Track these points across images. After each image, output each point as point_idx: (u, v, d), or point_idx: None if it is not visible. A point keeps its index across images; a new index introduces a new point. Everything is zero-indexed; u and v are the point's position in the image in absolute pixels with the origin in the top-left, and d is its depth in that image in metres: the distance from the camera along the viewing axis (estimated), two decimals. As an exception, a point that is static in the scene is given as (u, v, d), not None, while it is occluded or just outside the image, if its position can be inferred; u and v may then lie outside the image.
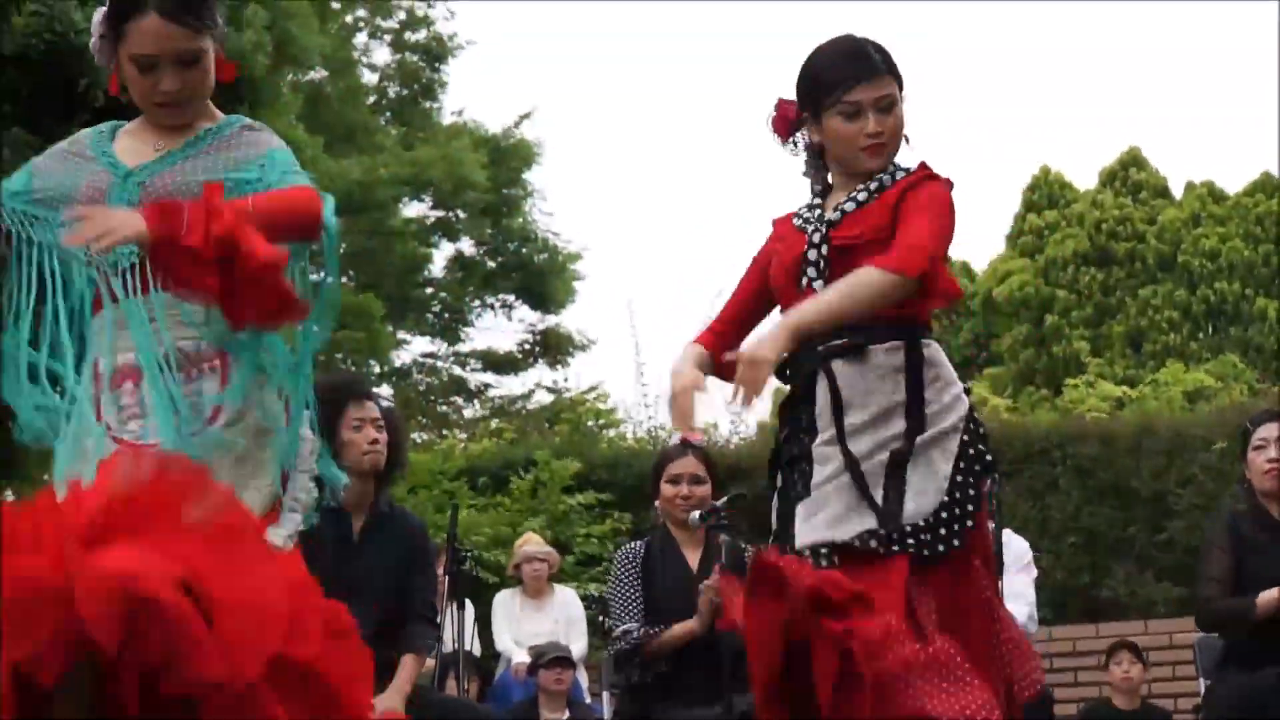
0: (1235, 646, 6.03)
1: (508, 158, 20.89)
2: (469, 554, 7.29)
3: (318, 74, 19.15)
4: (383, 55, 21.92)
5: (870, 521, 3.63)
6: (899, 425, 3.71)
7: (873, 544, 3.61)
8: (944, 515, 3.66)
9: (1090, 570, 11.48)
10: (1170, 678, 9.76)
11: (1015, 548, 7.34)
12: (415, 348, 22.02)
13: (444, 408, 21.95)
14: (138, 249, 3.24)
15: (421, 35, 21.84)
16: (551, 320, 21.60)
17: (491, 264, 21.39)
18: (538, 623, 9.36)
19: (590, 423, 16.52)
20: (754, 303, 4.03)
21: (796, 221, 3.94)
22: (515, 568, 9.60)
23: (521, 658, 9.04)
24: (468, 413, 21.98)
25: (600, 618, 6.87)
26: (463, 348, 22.01)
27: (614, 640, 5.91)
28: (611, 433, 16.11)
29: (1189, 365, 19.37)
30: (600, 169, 37.92)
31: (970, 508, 3.68)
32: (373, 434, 5.61)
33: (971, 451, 3.74)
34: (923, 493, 3.66)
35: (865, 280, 3.63)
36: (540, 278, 20.96)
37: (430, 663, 6.62)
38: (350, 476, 5.64)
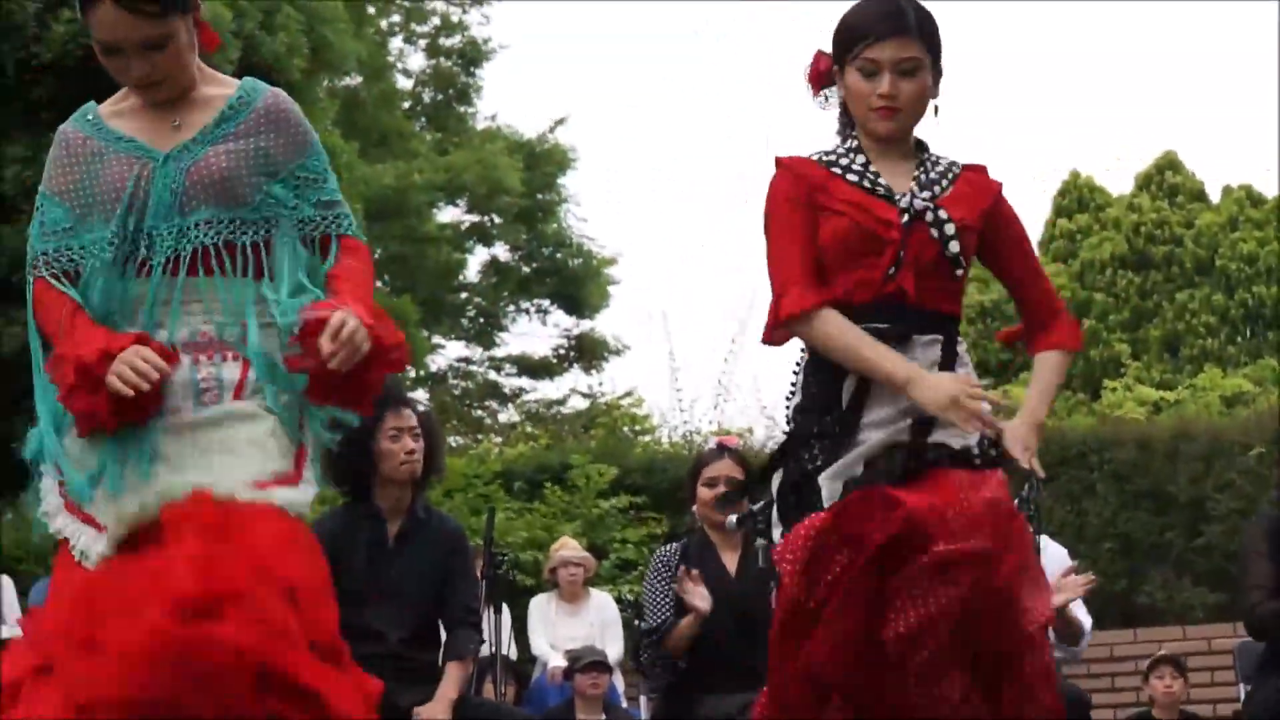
0: (1277, 651, 5.99)
1: (542, 163, 20.92)
2: (505, 558, 7.29)
3: (353, 79, 19.20)
4: (417, 60, 22.00)
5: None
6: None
7: (991, 450, 3.61)
8: (973, 448, 3.63)
9: (1127, 576, 11.43)
10: (1209, 683, 9.69)
11: (1053, 553, 7.30)
12: (450, 352, 22.07)
13: (479, 412, 21.99)
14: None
15: (456, 40, 21.89)
16: (586, 325, 21.63)
17: (526, 269, 21.42)
18: (573, 627, 9.35)
19: (625, 428, 16.53)
20: (814, 250, 3.70)
21: (852, 178, 3.71)
22: (551, 572, 9.60)
23: (557, 662, 9.03)
24: (502, 417, 22.01)
25: (636, 621, 6.87)
26: (498, 352, 22.06)
27: (642, 639, 5.92)
28: (646, 437, 16.11)
29: (1226, 370, 19.29)
30: (634, 173, 37.89)
31: (995, 453, 3.64)
32: (410, 444, 5.62)
33: (994, 449, 3.67)
34: (950, 435, 3.60)
35: (1062, 365, 3.83)
36: (575, 283, 20.98)
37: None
38: (386, 484, 5.67)
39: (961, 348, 3.75)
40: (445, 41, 21.90)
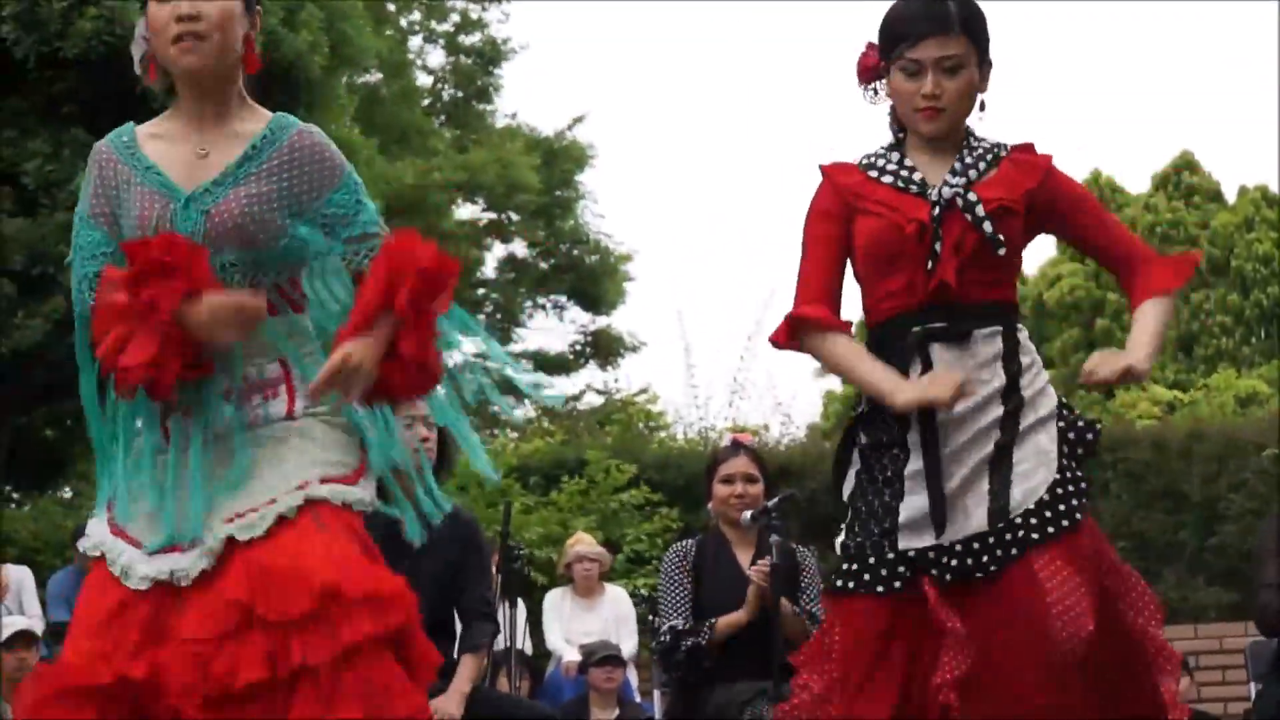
0: (1288, 651, 5.99)
1: (560, 160, 20.93)
2: (521, 553, 7.30)
3: (373, 76, 19.22)
4: (437, 58, 22.02)
5: (978, 520, 3.46)
6: (996, 412, 3.52)
7: (984, 559, 3.45)
8: (1059, 492, 3.48)
9: (1141, 575, 11.38)
10: (1220, 682, 9.69)
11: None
12: (467, 348, 22.07)
13: (494, 408, 21.97)
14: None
15: (476, 38, 21.90)
16: (602, 321, 21.65)
17: (543, 266, 21.44)
18: (588, 621, 9.37)
19: (640, 425, 16.54)
20: (841, 268, 3.67)
21: (888, 180, 3.64)
22: (566, 567, 9.61)
23: (572, 656, 9.05)
24: (518, 413, 22.03)
25: (650, 616, 6.86)
26: (514, 348, 22.07)
27: (659, 636, 5.91)
28: (661, 433, 16.13)
29: (1241, 370, 19.26)
30: (651, 171, 37.93)
31: (1084, 485, 3.52)
32: (423, 431, 5.59)
33: (1072, 435, 3.58)
34: (1029, 476, 3.48)
35: (1164, 308, 3.64)
36: (591, 279, 20.99)
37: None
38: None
39: (1023, 335, 3.64)
40: (465, 40, 21.91)
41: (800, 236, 3.71)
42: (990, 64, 3.66)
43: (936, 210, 3.56)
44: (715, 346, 36.76)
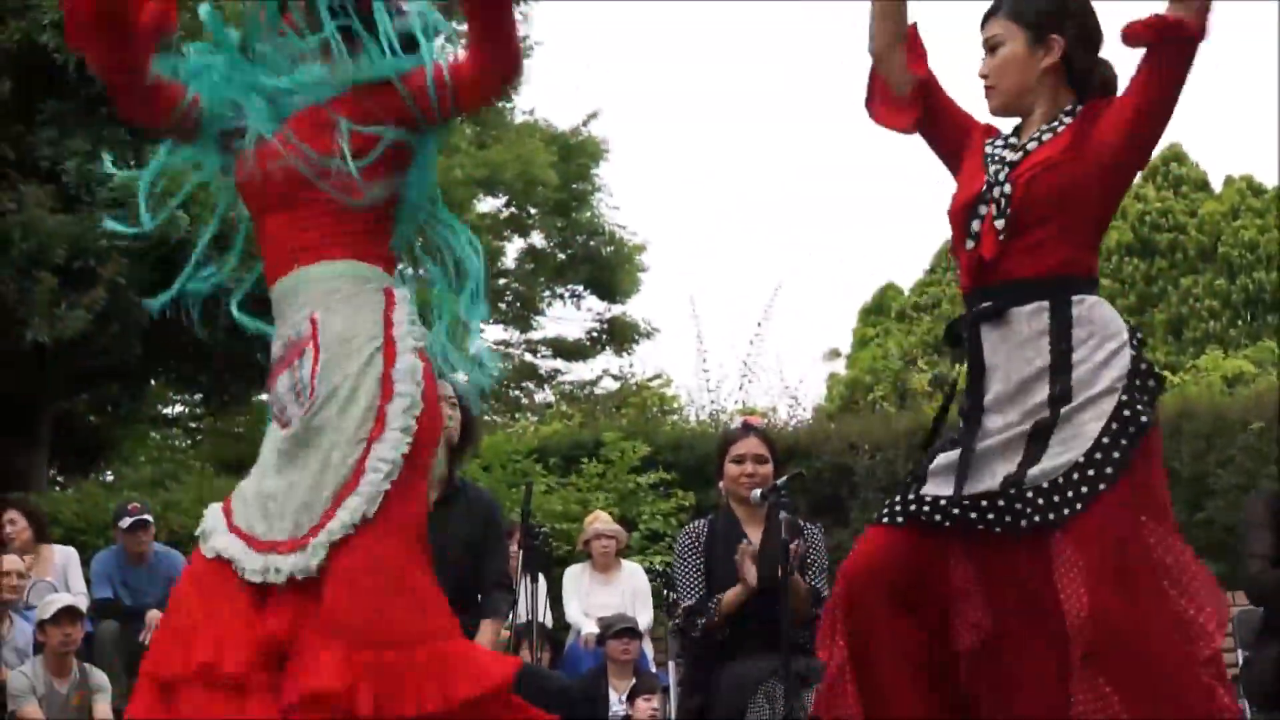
0: (1273, 620, 5.98)
1: (576, 154, 20.92)
2: (542, 530, 7.33)
3: (396, 76, 19.20)
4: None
5: (992, 483, 3.34)
6: (1043, 393, 3.35)
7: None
8: (1074, 477, 3.27)
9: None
10: (1210, 650, 9.67)
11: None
12: (489, 335, 22.11)
13: (516, 392, 22.03)
14: None
15: (495, 38, 21.87)
16: (618, 310, 21.64)
17: (561, 256, 21.43)
18: (606, 596, 9.38)
19: (654, 408, 16.54)
20: (947, 110, 3.62)
21: (987, 149, 3.57)
22: (585, 544, 9.63)
23: (590, 629, 9.06)
24: (538, 397, 22.06)
25: (665, 591, 6.86)
26: (534, 335, 22.10)
27: (676, 616, 5.93)
28: (674, 417, 16.13)
29: (1228, 351, 19.23)
30: (664, 164, 37.90)
31: (1108, 470, 3.26)
32: (446, 410, 5.62)
33: (1127, 413, 3.31)
34: (1057, 457, 3.29)
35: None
36: (607, 269, 20.99)
37: (506, 632, 6.66)
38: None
39: (1082, 307, 3.41)
40: (484, 40, 21.90)
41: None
42: (1042, 32, 3.51)
43: (987, 183, 3.46)
44: (726, 333, 36.74)
